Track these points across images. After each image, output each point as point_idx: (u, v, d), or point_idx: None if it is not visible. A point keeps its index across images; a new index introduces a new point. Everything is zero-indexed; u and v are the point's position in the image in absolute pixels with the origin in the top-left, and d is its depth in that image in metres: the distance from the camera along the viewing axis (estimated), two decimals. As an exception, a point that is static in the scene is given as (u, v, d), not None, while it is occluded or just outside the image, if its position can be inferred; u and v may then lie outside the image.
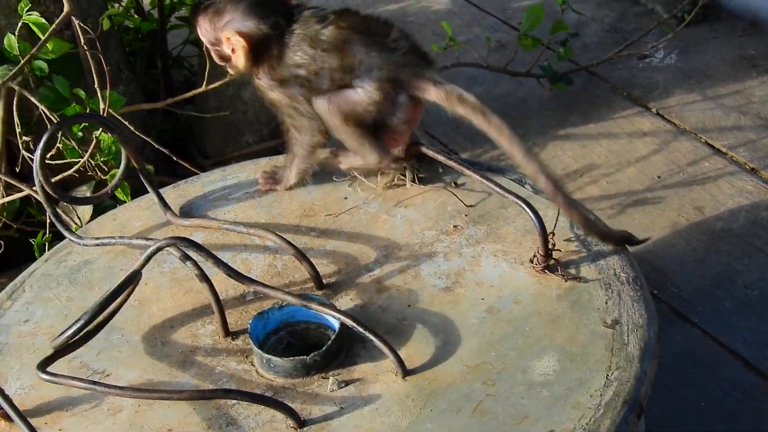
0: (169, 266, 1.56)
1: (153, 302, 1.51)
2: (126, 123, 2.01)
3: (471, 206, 1.60)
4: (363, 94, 1.56)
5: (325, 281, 1.51)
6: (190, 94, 2.19)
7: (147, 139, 2.10)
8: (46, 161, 1.62)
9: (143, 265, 1.38)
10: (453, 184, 1.66)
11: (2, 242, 2.16)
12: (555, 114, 2.69)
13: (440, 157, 1.58)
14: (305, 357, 1.33)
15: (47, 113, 1.99)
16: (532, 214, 1.44)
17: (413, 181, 1.65)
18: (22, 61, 1.93)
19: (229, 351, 1.40)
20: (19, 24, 1.94)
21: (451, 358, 1.34)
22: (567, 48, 2.69)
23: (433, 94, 1.58)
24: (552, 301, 1.40)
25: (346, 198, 1.67)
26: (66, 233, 1.60)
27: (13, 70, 1.95)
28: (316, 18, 1.59)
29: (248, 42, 1.58)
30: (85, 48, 1.93)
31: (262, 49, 1.59)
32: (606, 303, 1.38)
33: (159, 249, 1.39)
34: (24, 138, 2.04)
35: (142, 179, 1.68)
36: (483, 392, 1.27)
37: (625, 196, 2.39)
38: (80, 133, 2.12)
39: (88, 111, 2.04)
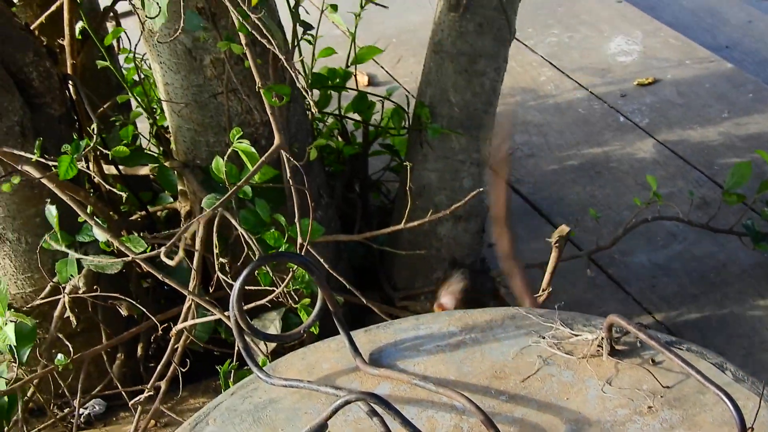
0: (354, 416, 1.54)
1: (333, 453, 1.48)
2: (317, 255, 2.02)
3: (668, 387, 1.53)
4: None
5: (510, 451, 1.45)
6: (389, 230, 2.20)
7: (335, 275, 2.12)
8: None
9: (329, 417, 1.37)
10: (651, 361, 1.59)
11: (190, 357, 2.19)
12: (757, 283, 2.58)
13: (641, 335, 1.52)
14: None
15: (245, 236, 2.03)
16: (731, 406, 1.36)
17: (610, 353, 1.59)
18: (231, 191, 1.98)
19: None
20: (229, 150, 1.99)
21: None
22: (768, 210, 2.60)
23: None
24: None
25: (539, 363, 1.61)
26: (255, 370, 1.61)
27: (221, 199, 2.00)
28: None
29: None
30: (290, 178, 1.96)
31: None
32: None
33: (347, 402, 1.37)
34: (221, 259, 2.08)
35: (336, 322, 1.67)
36: None
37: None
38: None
39: (286, 237, 2.06)
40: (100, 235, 1.96)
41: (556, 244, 2.10)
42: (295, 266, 2.09)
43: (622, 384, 1.56)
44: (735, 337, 2.40)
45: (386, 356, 1.69)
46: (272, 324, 2.30)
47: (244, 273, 1.58)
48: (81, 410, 2.42)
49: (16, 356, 2.04)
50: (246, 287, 1.95)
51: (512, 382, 1.60)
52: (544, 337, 1.66)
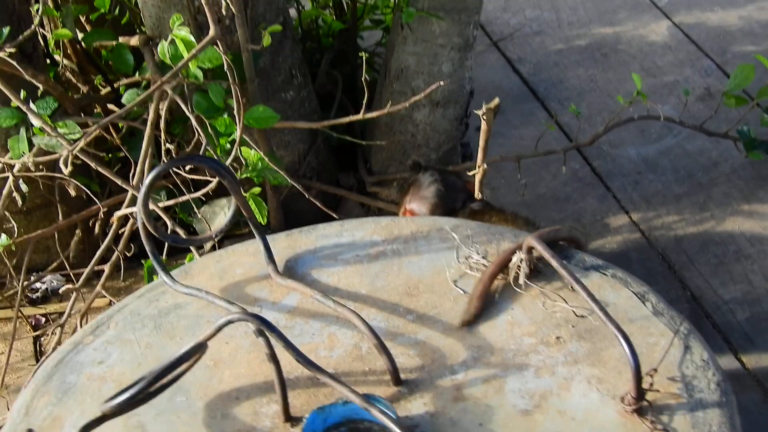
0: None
1: (227, 366, 1.45)
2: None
3: (582, 317, 1.44)
4: None
5: (404, 376, 1.41)
6: (354, 118, 2.10)
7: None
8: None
9: (210, 338, 1.32)
10: (571, 288, 1.50)
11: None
12: (745, 185, 2.46)
13: (553, 262, 1.43)
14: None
15: (194, 121, 1.96)
16: (627, 349, 1.28)
17: (529, 277, 1.50)
18: (176, 67, 1.90)
19: (284, 439, 1.32)
20: (170, 37, 1.91)
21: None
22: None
23: None
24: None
25: (456, 282, 1.54)
26: (161, 273, 1.56)
27: (164, 77, 1.92)
28: None
29: None
30: (231, 63, 1.87)
31: None
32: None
33: (230, 322, 1.32)
34: (167, 145, 2.02)
35: (252, 228, 1.61)
36: None
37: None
38: (228, 146, 2.08)
39: (239, 123, 1.99)
40: (35, 120, 1.89)
41: (484, 117, 2.01)
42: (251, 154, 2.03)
43: (534, 311, 1.49)
44: (710, 244, 2.30)
45: (303, 264, 1.63)
46: (222, 211, 2.24)
47: (150, 176, 1.52)
48: (38, 285, 2.40)
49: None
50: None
51: (423, 301, 1.53)
52: (467, 257, 1.57)
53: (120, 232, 2.09)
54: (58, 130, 1.89)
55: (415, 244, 1.64)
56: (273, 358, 1.35)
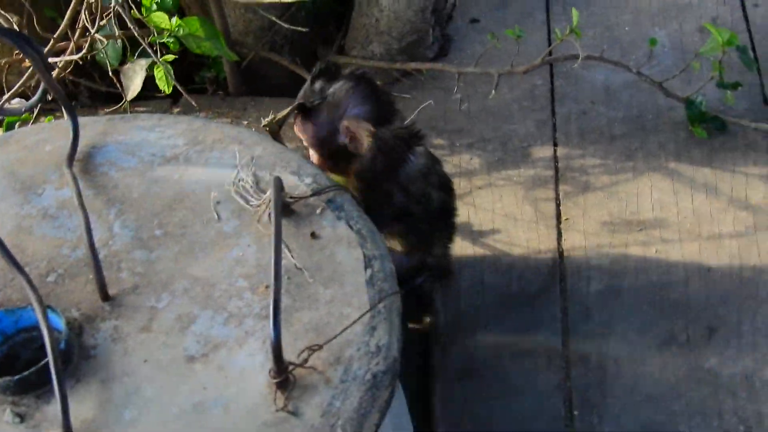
0: None
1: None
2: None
3: (299, 269, 1.42)
4: None
5: (114, 293, 1.44)
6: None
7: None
8: None
9: None
10: (312, 234, 1.47)
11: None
12: (685, 140, 2.25)
13: (273, 212, 1.40)
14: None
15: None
16: (272, 319, 1.25)
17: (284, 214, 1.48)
18: None
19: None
20: None
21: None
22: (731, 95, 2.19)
23: None
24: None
25: (218, 203, 1.53)
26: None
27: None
28: None
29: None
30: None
31: None
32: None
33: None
34: None
35: (64, 110, 1.64)
36: None
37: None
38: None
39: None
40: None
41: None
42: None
43: (268, 252, 1.46)
44: (612, 199, 2.05)
45: (102, 154, 1.67)
46: (138, 73, 2.25)
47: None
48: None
49: None
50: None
51: (178, 218, 1.54)
52: (240, 180, 1.55)
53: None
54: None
55: (209, 155, 1.64)
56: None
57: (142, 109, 2.46)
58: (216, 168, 1.61)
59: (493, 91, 2.16)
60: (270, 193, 1.49)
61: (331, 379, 1.31)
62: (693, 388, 1.70)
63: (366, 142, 1.78)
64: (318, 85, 1.85)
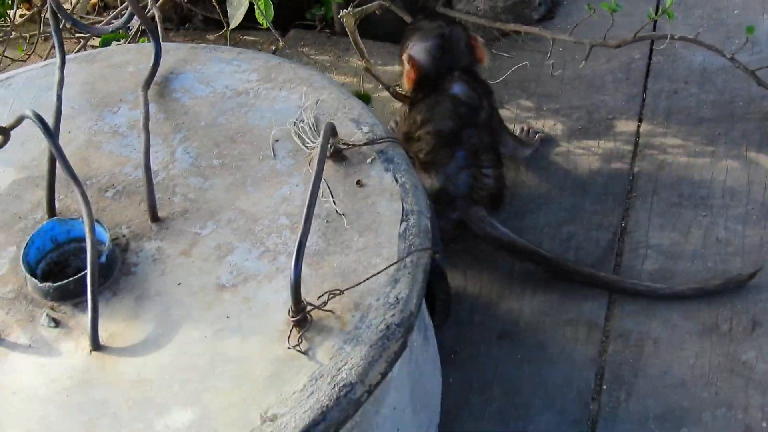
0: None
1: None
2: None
3: (342, 214, 1.48)
4: None
5: (164, 216, 1.51)
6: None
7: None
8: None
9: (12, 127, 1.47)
10: (358, 182, 1.52)
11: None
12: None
13: (316, 156, 1.45)
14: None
15: None
16: (294, 262, 1.31)
17: (334, 159, 1.54)
18: None
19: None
20: None
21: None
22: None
23: None
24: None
25: (276, 141, 1.59)
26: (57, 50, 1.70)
27: None
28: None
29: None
30: None
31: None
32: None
33: (23, 118, 1.45)
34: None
35: (149, 35, 1.71)
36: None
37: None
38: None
39: None
40: None
41: (344, 21, 2.06)
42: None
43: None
44: (685, 182, 1.99)
45: (179, 80, 1.75)
46: (243, 1, 2.30)
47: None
48: None
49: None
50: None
51: (238, 150, 1.61)
52: (300, 121, 1.61)
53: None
54: None
55: (278, 94, 1.69)
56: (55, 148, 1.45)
57: (250, 38, 2.52)
58: (282, 106, 1.65)
59: (584, 62, 2.14)
60: (320, 138, 1.53)
61: (347, 324, 1.35)
62: (725, 378, 1.69)
63: (408, 82, 1.99)
64: (419, 17, 2.11)
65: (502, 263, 1.88)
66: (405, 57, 1.99)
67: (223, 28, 2.30)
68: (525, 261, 1.85)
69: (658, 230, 1.89)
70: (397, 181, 1.51)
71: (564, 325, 1.77)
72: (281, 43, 2.43)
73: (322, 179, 1.45)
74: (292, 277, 1.30)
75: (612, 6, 2.06)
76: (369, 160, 1.55)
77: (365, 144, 1.56)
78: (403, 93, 2.06)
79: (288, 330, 1.34)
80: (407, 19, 2.21)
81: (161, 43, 1.73)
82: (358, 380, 1.28)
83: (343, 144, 1.55)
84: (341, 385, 1.27)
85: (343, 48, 2.42)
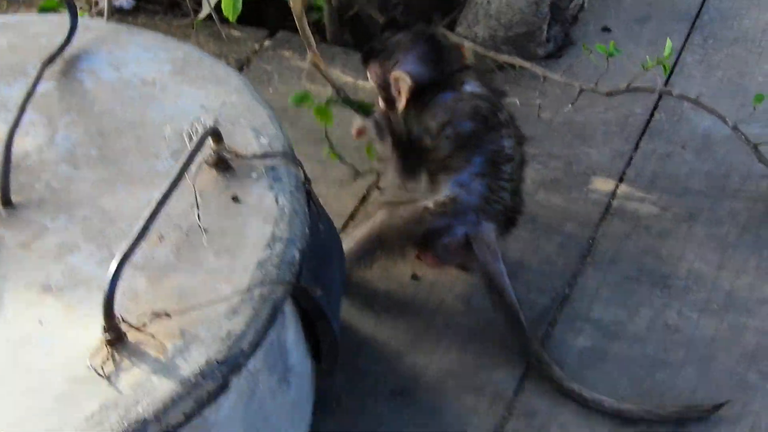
0: None
1: None
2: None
3: (204, 230, 1.32)
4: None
5: (17, 201, 1.36)
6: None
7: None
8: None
9: None
10: (234, 198, 1.37)
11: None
12: (760, 216, 1.96)
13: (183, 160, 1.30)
14: None
15: None
16: (108, 282, 1.15)
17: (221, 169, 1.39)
18: None
19: None
20: None
21: None
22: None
23: None
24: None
25: (165, 137, 1.45)
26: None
27: None
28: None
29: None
30: None
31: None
32: None
33: None
34: None
35: (67, 8, 1.59)
36: None
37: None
38: None
39: None
40: None
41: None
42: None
43: (186, 201, 1.36)
44: (649, 255, 1.74)
45: (89, 59, 1.62)
46: (217, -8, 2.16)
47: None
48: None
49: None
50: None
51: (122, 144, 1.47)
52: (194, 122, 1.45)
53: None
54: None
55: (186, 89, 1.56)
56: None
57: (235, 33, 2.38)
58: (186, 103, 1.51)
59: (571, 105, 1.95)
60: (208, 142, 1.38)
61: (165, 353, 1.18)
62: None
63: (404, 98, 1.73)
64: (386, 34, 1.82)
65: (425, 311, 1.69)
66: (395, 76, 1.77)
67: (209, 17, 2.17)
68: (498, 314, 1.64)
69: (603, 304, 1.69)
70: (278, 202, 1.35)
71: (468, 391, 1.58)
72: (266, 43, 2.28)
73: (195, 189, 1.32)
74: (106, 290, 1.14)
75: (611, 50, 1.88)
76: (255, 175, 1.38)
77: (255, 157, 1.39)
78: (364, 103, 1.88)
79: (99, 347, 1.17)
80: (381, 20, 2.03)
81: (78, 18, 1.58)
82: (154, 418, 1.11)
83: (227, 153, 1.38)
84: (133, 420, 1.11)
85: (329, 57, 2.25)
